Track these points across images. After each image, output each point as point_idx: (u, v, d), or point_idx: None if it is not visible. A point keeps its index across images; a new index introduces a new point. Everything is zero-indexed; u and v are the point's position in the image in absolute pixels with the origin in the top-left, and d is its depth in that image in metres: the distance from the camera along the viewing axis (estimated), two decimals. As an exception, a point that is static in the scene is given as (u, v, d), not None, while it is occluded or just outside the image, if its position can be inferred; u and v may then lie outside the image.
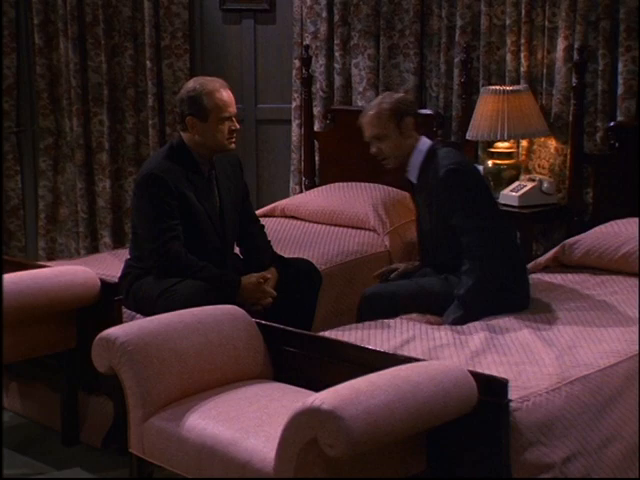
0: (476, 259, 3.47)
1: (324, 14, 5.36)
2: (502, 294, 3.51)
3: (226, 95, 3.63)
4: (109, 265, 4.21)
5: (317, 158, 5.51)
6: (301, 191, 5.47)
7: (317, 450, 2.31)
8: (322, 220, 4.89)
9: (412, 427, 2.41)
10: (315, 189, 5.30)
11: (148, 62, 5.64)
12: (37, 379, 3.85)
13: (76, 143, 5.72)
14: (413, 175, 3.67)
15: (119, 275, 3.75)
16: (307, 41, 5.42)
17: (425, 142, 3.65)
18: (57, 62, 5.73)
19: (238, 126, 3.68)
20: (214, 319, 2.96)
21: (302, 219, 4.96)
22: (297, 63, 5.48)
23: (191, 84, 3.65)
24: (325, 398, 2.31)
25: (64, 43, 5.66)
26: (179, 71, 5.67)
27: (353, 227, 4.78)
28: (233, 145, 3.68)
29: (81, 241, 5.78)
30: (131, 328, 2.82)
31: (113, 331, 2.79)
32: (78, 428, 3.68)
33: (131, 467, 2.83)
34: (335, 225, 4.82)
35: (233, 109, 3.65)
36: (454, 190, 3.52)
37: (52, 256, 5.81)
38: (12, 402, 4.03)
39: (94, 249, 5.73)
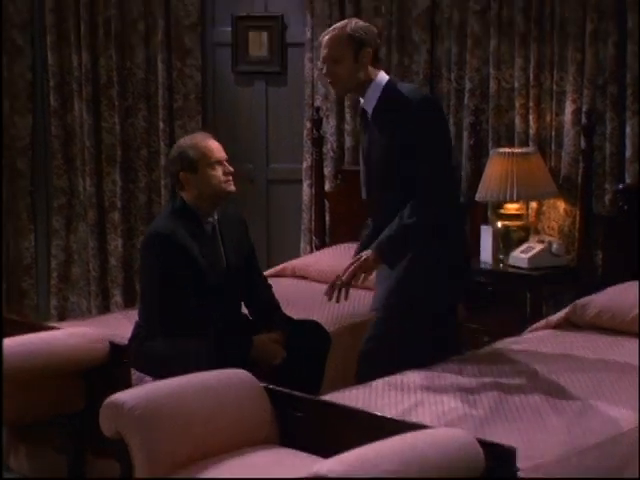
0: (427, 201, 3.40)
1: (335, 76, 5.40)
2: (438, 262, 3.48)
3: (210, 142, 3.68)
4: (119, 325, 4.20)
5: (327, 218, 5.52)
6: (311, 251, 5.47)
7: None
8: (331, 280, 4.86)
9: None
10: (325, 249, 5.31)
11: (161, 123, 5.71)
12: (45, 441, 3.82)
13: (89, 202, 5.78)
14: (369, 105, 3.54)
15: (129, 336, 3.74)
16: (318, 102, 5.47)
17: (384, 76, 3.55)
18: (71, 123, 5.81)
19: (231, 169, 3.69)
20: (222, 384, 2.95)
21: (312, 279, 4.96)
22: (308, 124, 5.52)
23: (176, 145, 3.74)
24: (332, 466, 2.28)
25: (79, 104, 5.75)
26: (191, 132, 5.69)
27: (362, 287, 4.76)
28: (232, 187, 3.68)
29: (93, 300, 5.80)
30: (138, 393, 2.81)
31: (120, 396, 2.77)
32: (85, 491, 3.66)
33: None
34: (344, 286, 4.80)
35: (220, 154, 3.68)
36: (428, 120, 3.43)
37: (64, 315, 5.83)
38: (20, 464, 4.00)
39: (105, 308, 5.74)
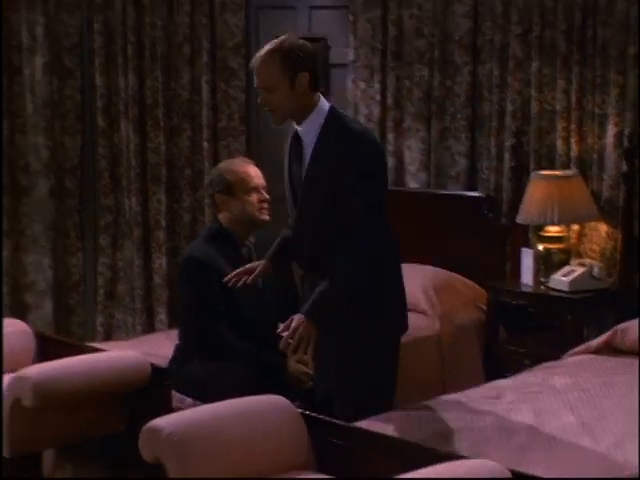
0: (360, 248, 3.13)
1: (377, 97, 5.42)
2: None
3: (250, 168, 3.72)
4: (162, 346, 4.25)
5: (369, 238, 5.52)
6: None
7: None
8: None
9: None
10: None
11: (205, 143, 5.77)
12: (89, 461, 3.87)
13: (134, 221, 5.85)
14: (308, 134, 3.19)
15: (170, 358, 3.79)
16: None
17: (325, 103, 3.20)
18: (118, 143, 5.88)
19: (267, 196, 3.70)
20: (259, 410, 2.97)
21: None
22: (350, 145, 5.53)
23: (216, 167, 3.79)
24: None
25: (125, 125, 5.82)
26: (235, 152, 5.76)
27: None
28: (266, 216, 3.69)
29: (137, 317, 5.86)
30: (176, 419, 2.84)
31: (159, 422, 2.80)
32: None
33: None
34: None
35: (258, 181, 3.70)
36: (371, 157, 3.14)
37: (110, 332, 5.89)
38: None
39: (150, 325, 5.80)
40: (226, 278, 3.44)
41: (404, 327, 3.45)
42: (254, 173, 3.71)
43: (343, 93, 5.62)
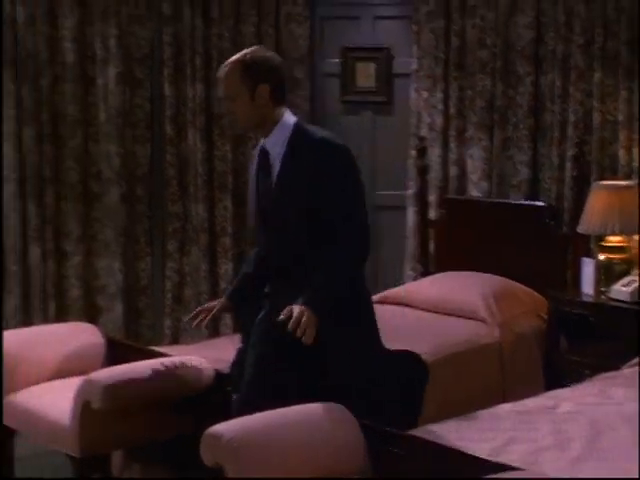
0: (354, 242, 3.18)
1: (440, 107, 5.47)
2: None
3: None
4: (225, 350, 4.27)
5: (432, 245, 5.56)
6: (415, 278, 5.52)
7: None
8: (432, 308, 4.91)
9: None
10: (428, 277, 5.35)
11: (270, 151, 5.83)
12: (155, 463, 3.98)
13: (201, 227, 5.95)
14: (275, 148, 3.24)
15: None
16: (423, 132, 5.53)
17: (290, 117, 3.26)
18: (186, 151, 5.98)
19: None
20: (317, 417, 3.03)
21: (413, 307, 5.00)
22: (413, 153, 5.57)
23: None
24: None
25: (192, 134, 5.92)
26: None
27: (463, 317, 4.79)
28: None
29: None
30: (236, 425, 2.92)
31: (219, 428, 2.89)
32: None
33: None
34: (445, 314, 4.84)
35: None
36: (343, 168, 3.18)
37: (177, 334, 6.00)
38: None
39: (215, 329, 5.88)
40: (187, 318, 3.61)
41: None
42: None
43: (406, 102, 5.69)
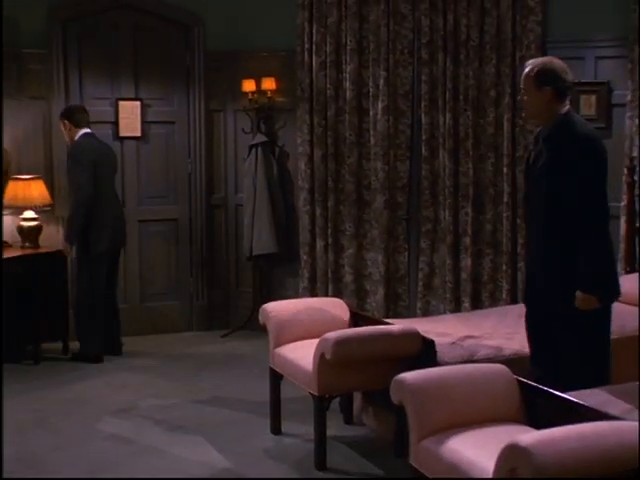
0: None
1: (650, 132, 5.58)
2: None
3: None
4: (449, 326, 4.73)
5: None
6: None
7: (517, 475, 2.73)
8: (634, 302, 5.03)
9: (591, 471, 2.71)
10: (633, 274, 5.47)
11: (505, 168, 6.20)
12: (381, 404, 4.49)
13: (447, 229, 6.39)
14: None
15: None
16: (635, 153, 5.66)
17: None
18: (437, 168, 6.44)
19: None
20: (482, 374, 3.43)
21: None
22: (625, 170, 5.73)
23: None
24: (527, 439, 2.72)
25: (442, 153, 6.38)
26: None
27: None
28: None
29: (447, 304, 6.41)
30: (417, 374, 3.38)
31: (405, 375, 3.36)
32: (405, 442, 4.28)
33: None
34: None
35: None
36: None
37: (426, 314, 6.48)
38: (369, 421, 4.72)
39: (457, 311, 6.33)
40: None
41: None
42: None
43: (622, 128, 5.83)
